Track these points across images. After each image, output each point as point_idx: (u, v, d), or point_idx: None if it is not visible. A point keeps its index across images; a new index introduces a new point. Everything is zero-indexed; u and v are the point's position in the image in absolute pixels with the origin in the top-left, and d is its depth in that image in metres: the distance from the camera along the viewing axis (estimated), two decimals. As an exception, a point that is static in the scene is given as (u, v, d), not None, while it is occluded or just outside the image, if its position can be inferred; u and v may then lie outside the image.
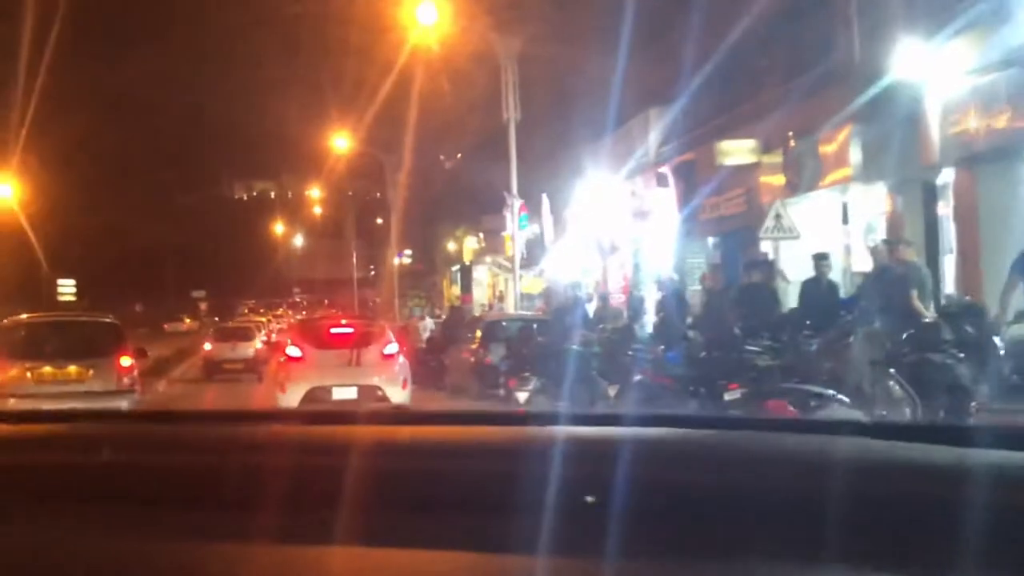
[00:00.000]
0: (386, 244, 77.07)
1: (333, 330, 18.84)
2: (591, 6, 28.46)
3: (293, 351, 18.53)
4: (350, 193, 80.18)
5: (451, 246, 52.51)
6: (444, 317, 28.38)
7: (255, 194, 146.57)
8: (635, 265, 28.79)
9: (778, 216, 14.93)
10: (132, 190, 76.43)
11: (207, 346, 32.38)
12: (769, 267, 14.73)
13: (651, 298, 24.80)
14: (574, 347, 15.32)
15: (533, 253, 37.19)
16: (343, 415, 2.28)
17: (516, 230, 28.38)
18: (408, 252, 60.97)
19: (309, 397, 16.79)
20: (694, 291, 23.85)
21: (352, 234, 72.55)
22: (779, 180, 19.55)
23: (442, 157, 51.13)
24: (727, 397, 10.46)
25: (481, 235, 47.93)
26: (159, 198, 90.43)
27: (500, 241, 46.82)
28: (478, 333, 20.83)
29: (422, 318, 27.77)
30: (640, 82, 27.15)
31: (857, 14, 17.38)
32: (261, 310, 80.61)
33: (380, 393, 17.06)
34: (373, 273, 75.89)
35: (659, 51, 26.23)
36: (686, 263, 25.90)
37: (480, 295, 49.99)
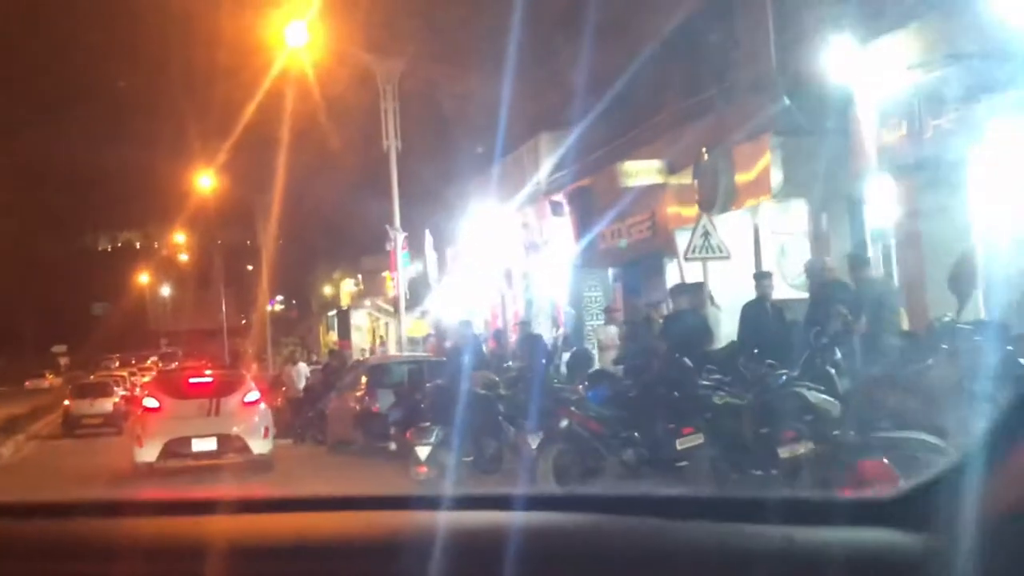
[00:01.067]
0: (257, 291, 74.31)
1: (192, 380, 18.46)
2: (474, 27, 26.68)
3: (150, 402, 17.77)
4: (219, 242, 77.67)
5: (327, 290, 50.01)
6: (323, 363, 26.05)
7: (120, 245, 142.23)
8: (528, 300, 26.88)
9: (706, 233, 13.14)
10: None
11: (66, 402, 32.24)
12: (698, 291, 12.91)
13: (545, 334, 23.02)
14: (478, 390, 13.25)
15: (417, 293, 35.05)
16: (197, 504, 2.09)
17: (399, 266, 26.21)
18: (280, 298, 58.24)
19: (167, 450, 16.51)
20: (596, 325, 22.07)
21: (221, 282, 69.75)
22: (688, 201, 17.88)
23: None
24: (681, 445, 8.50)
25: (360, 277, 45.60)
26: (17, 249, 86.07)
27: (381, 282, 44.56)
28: (362, 379, 18.59)
29: (295, 363, 25.26)
30: (529, 106, 25.39)
31: (773, 15, 15.82)
32: (132, 362, 77.13)
33: (240, 443, 16.78)
34: (244, 322, 72.74)
35: (548, 73, 24.51)
36: (583, 296, 24.10)
37: (360, 340, 47.54)
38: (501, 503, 1.78)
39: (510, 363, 17.22)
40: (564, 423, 9.92)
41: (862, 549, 1.49)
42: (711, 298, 14.00)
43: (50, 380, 72.38)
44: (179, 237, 75.54)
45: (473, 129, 28.12)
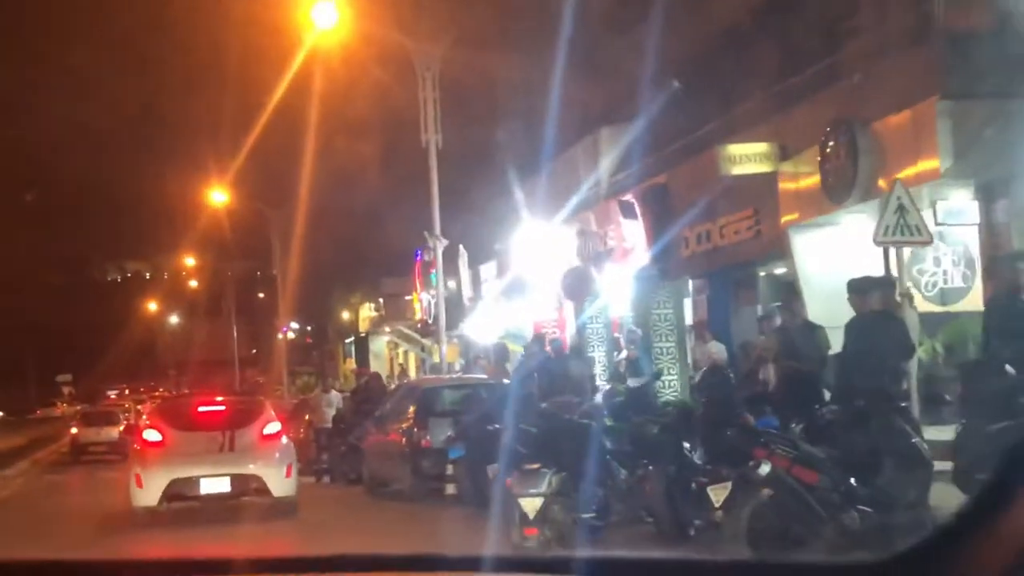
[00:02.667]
0: (269, 320, 70.94)
1: (202, 408, 15.31)
2: (520, 8, 23.41)
3: (151, 435, 14.53)
4: (229, 273, 74.99)
5: (345, 315, 46.51)
6: (355, 387, 22.59)
7: (129, 275, 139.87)
8: (581, 322, 23.36)
9: (901, 209, 9.65)
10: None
11: (74, 430, 33.09)
12: (891, 286, 9.44)
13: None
14: (584, 422, 9.79)
15: (447, 315, 31.60)
16: (203, 566, 1.85)
17: (436, 280, 22.73)
18: (294, 325, 54.73)
19: (171, 492, 13.75)
20: (664, 347, 18.63)
21: (232, 311, 66.79)
22: (808, 192, 14.45)
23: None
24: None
25: (381, 301, 42.05)
26: (22, 280, 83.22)
27: (403, 306, 41.05)
28: (410, 407, 15.06)
29: (326, 390, 21.76)
30: (585, 98, 22.02)
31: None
32: (141, 390, 74.97)
33: (258, 484, 13.92)
34: (255, 352, 69.38)
35: (608, 58, 21.14)
36: (652, 313, 20.59)
37: (378, 368, 44.00)
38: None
39: (613, 385, 13.78)
40: (765, 469, 6.49)
41: None
42: (908, 297, 10.52)
43: (62, 408, 70.79)
44: (189, 263, 72.46)
45: (518, 126, 24.77)
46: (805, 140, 14.51)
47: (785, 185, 15.10)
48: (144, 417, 15.78)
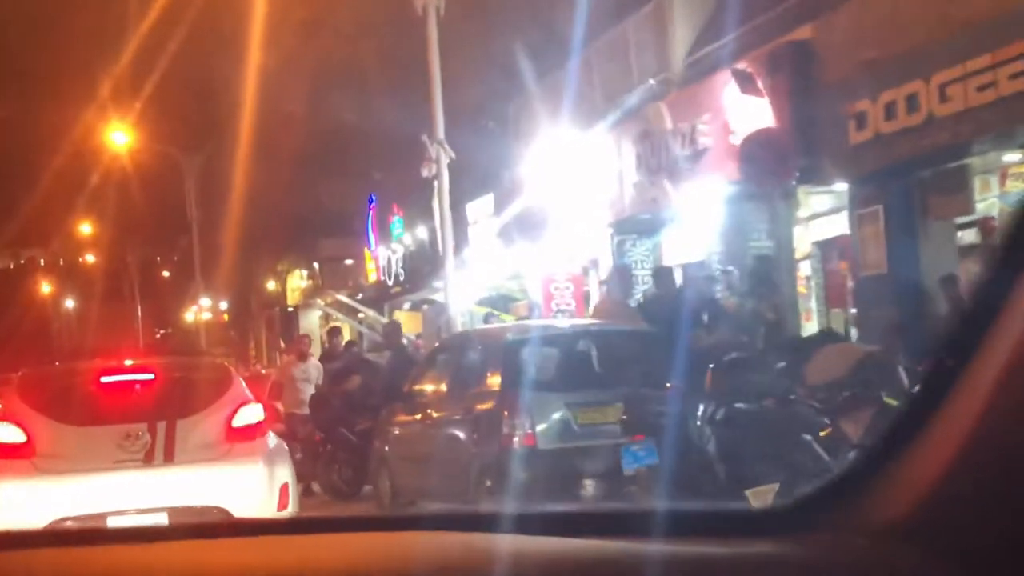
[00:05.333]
0: (178, 300, 63.09)
1: (106, 379, 8.61)
2: None
3: (7, 433, 7.80)
4: (129, 256, 67.18)
5: (271, 286, 39.11)
6: (325, 351, 15.70)
7: (23, 262, 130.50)
8: (623, 264, 16.79)
9: None
10: None
11: None
12: None
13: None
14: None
15: (415, 274, 24.77)
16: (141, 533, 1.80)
17: (442, 202, 15.80)
18: (205, 302, 47.09)
19: None
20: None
21: (135, 289, 59.48)
22: None
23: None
24: None
25: (316, 266, 34.81)
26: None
27: (344, 271, 33.95)
28: (482, 376, 8.17)
29: (303, 358, 14.35)
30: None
31: None
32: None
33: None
34: (165, 333, 61.71)
35: None
36: (748, 246, 14.12)
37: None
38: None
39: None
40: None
41: (746, 561, 1.38)
42: None
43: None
44: (85, 231, 64.57)
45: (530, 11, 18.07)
46: None
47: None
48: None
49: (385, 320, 26.62)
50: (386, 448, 9.56)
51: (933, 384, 1.37)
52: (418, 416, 9.01)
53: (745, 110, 12.69)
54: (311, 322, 38.66)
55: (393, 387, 9.92)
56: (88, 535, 1.78)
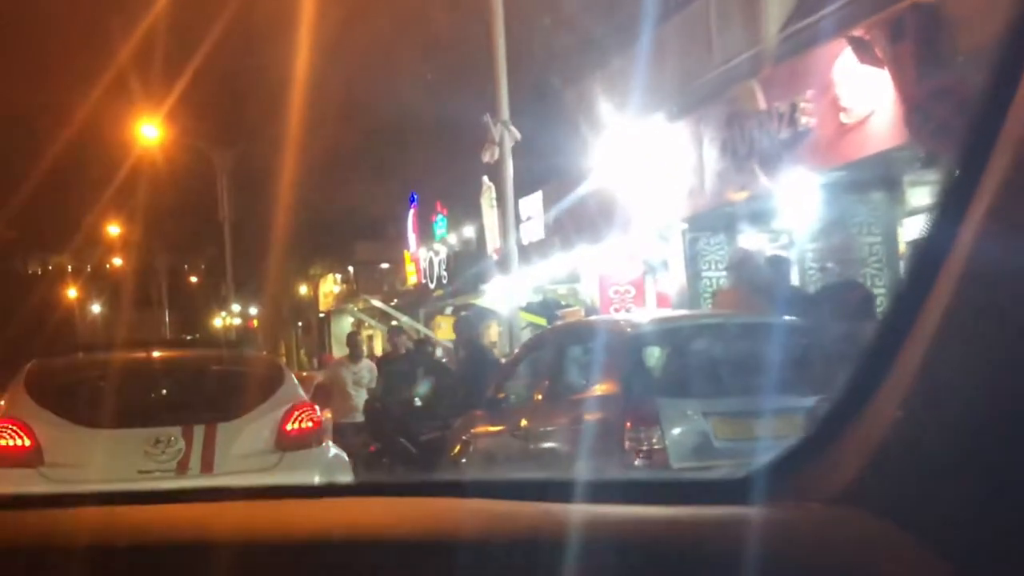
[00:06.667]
0: (206, 306, 61.91)
1: (128, 371, 7.07)
2: None
3: (8, 434, 6.49)
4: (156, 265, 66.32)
5: (303, 291, 37.59)
6: (385, 352, 14.10)
7: (50, 268, 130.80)
8: (695, 265, 15.22)
9: None
10: None
11: None
12: None
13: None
14: None
15: (456, 278, 23.20)
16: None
17: (507, 199, 14.09)
18: (236, 308, 45.77)
19: None
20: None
21: (163, 293, 58.65)
22: None
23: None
24: None
25: (351, 270, 33.27)
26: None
27: (379, 276, 32.40)
28: (607, 379, 6.46)
29: (355, 359, 12.56)
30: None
31: None
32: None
33: None
34: (193, 339, 60.48)
35: None
36: (856, 241, 12.49)
37: (340, 354, 35.18)
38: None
39: None
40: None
41: (699, 525, 1.40)
42: None
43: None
44: (114, 256, 64.11)
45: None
46: None
47: None
48: (2, 403, 7.26)
49: (420, 327, 25.11)
50: (463, 462, 7.98)
51: (880, 349, 1.36)
52: (507, 427, 7.43)
53: (860, 84, 11.07)
54: (342, 328, 37.15)
55: (470, 392, 8.38)
56: (141, 496, 1.73)
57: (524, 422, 7.20)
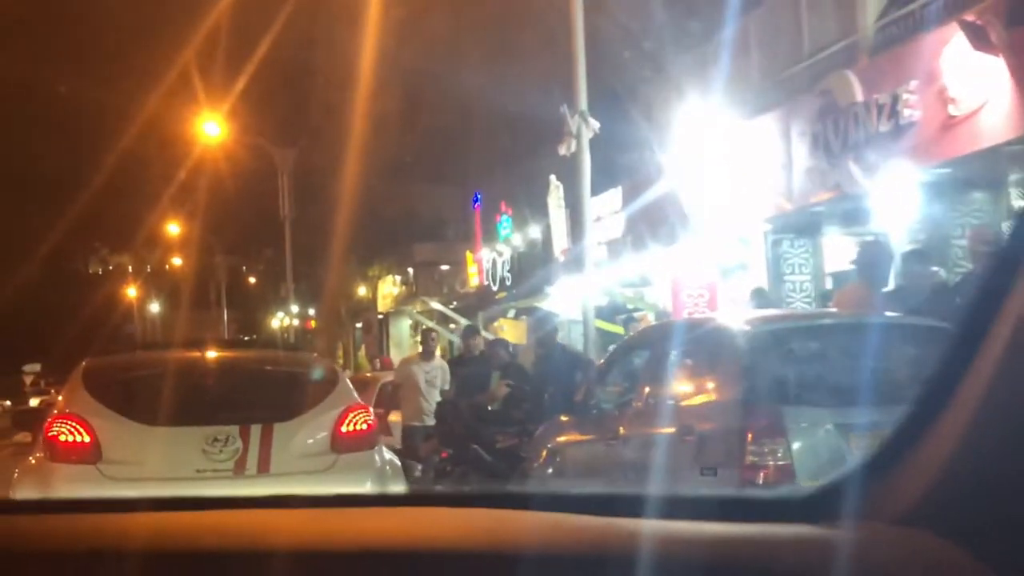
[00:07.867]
0: (264, 307, 61.81)
1: (186, 369, 6.86)
2: None
3: (65, 433, 6.09)
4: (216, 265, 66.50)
5: (362, 292, 37.10)
6: (459, 354, 13.33)
7: (111, 268, 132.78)
8: (780, 267, 14.38)
9: None
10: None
11: None
12: None
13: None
14: None
15: (523, 276, 22.47)
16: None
17: (584, 193, 13.23)
18: (294, 310, 45.41)
19: None
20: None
21: (223, 293, 58.72)
22: None
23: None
24: None
25: (411, 271, 32.72)
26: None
27: (439, 277, 31.81)
28: (720, 384, 5.68)
29: (426, 357, 11.82)
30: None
31: None
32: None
33: None
34: (252, 339, 60.59)
35: None
36: (950, 245, 11.61)
37: (397, 357, 34.57)
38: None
39: None
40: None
41: (769, 544, 1.39)
42: None
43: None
44: (173, 256, 64.41)
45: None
46: None
47: None
48: (60, 398, 6.92)
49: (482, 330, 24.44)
50: (548, 473, 7.26)
51: (946, 373, 1.35)
52: (600, 435, 6.71)
53: (972, 72, 10.21)
54: (401, 330, 36.69)
55: (556, 396, 7.69)
56: (195, 502, 1.67)
57: (622, 430, 6.48)
